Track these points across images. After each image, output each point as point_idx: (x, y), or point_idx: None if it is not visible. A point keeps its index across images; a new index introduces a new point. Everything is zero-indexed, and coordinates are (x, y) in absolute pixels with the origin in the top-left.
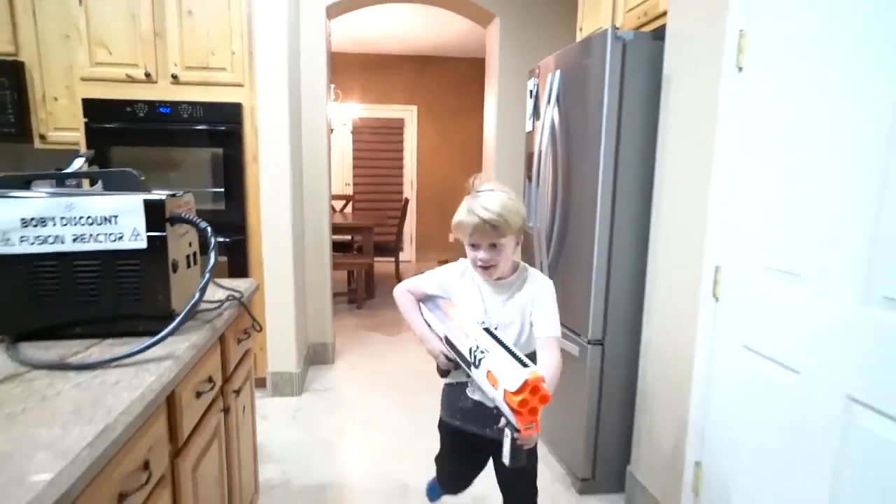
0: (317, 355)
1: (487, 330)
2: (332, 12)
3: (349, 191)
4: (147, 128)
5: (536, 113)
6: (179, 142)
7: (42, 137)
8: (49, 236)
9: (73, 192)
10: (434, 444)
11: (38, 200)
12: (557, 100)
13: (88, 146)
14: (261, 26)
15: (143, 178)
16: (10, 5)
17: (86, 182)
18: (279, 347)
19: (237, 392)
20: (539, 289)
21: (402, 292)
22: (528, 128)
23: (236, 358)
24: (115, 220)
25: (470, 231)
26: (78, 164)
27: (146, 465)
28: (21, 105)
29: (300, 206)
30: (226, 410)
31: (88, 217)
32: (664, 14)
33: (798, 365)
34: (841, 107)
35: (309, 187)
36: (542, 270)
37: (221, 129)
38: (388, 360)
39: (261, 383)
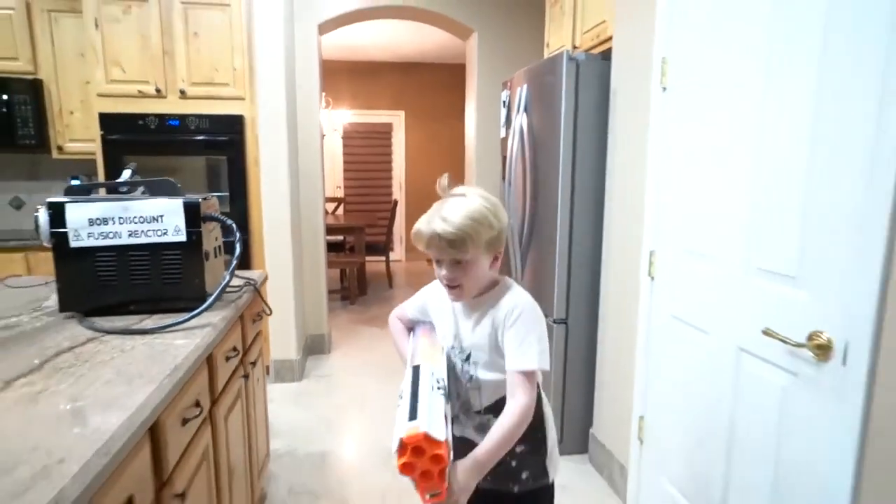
0: (314, 346)
1: (417, 368)
2: (323, 29)
3: (340, 193)
4: (158, 139)
5: (508, 121)
6: (187, 151)
7: (59, 148)
8: (110, 232)
9: (125, 197)
10: None
11: (101, 204)
12: (525, 109)
13: (105, 157)
14: (260, 44)
15: (179, 185)
16: (30, 28)
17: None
18: (281, 337)
19: (253, 364)
20: (514, 308)
21: (393, 320)
22: (503, 134)
23: (251, 336)
24: (161, 218)
25: (425, 244)
26: (126, 174)
27: (197, 403)
28: (40, 119)
29: (297, 208)
30: (246, 377)
31: (140, 216)
32: (611, 38)
33: (706, 326)
34: (726, 124)
35: (304, 190)
36: (515, 263)
37: (225, 138)
38: (379, 350)
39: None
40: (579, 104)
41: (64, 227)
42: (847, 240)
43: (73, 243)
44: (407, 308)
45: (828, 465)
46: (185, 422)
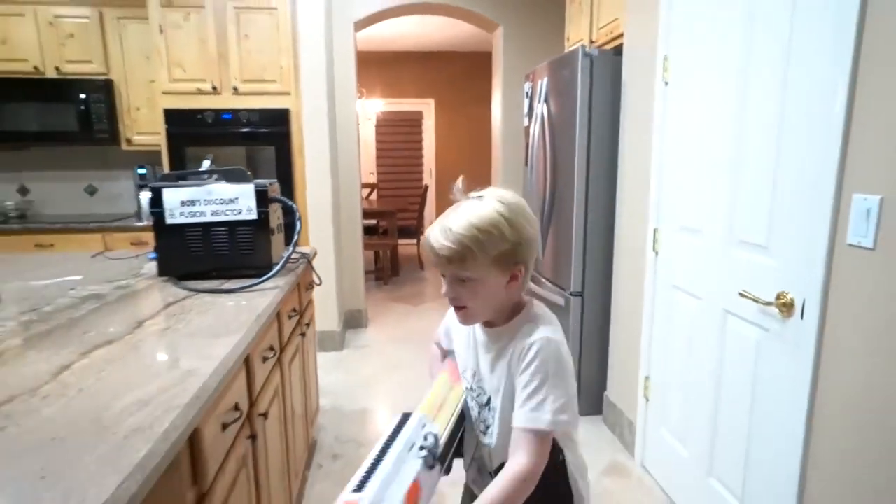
0: (353, 320)
1: (405, 417)
2: (358, 26)
3: (373, 179)
4: (214, 131)
5: (531, 110)
6: (239, 142)
7: (128, 141)
8: (196, 212)
9: (203, 182)
10: None
11: (189, 188)
12: (546, 100)
13: (168, 149)
14: (303, 44)
15: (248, 173)
16: (103, 35)
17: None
18: (324, 310)
19: (307, 325)
20: (531, 346)
21: (430, 346)
22: (525, 122)
23: (305, 301)
24: (237, 200)
25: (425, 258)
26: (206, 163)
27: (271, 348)
28: (111, 115)
29: (337, 193)
30: (302, 335)
31: (220, 199)
32: (622, 35)
33: (699, 292)
34: (713, 116)
35: (343, 176)
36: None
37: (273, 130)
38: (412, 324)
39: None
40: (593, 96)
41: (161, 207)
42: (804, 215)
43: (169, 220)
44: (440, 330)
45: (789, 405)
46: (264, 360)
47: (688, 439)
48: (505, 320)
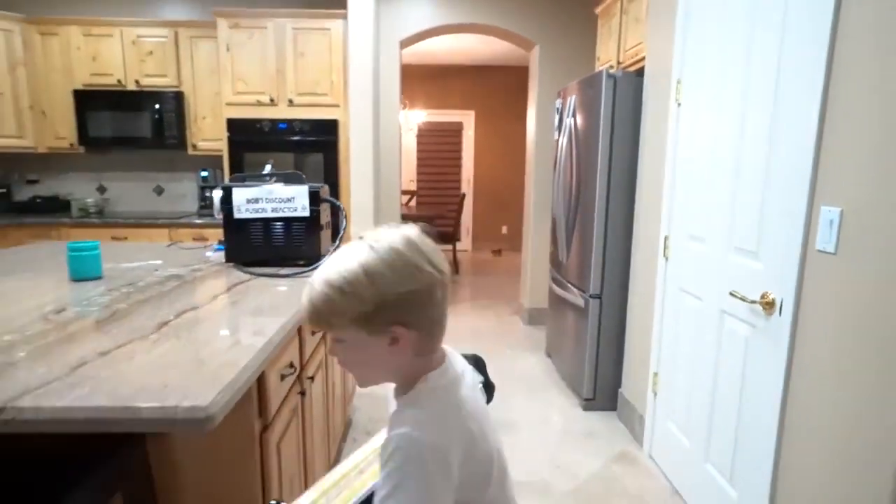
0: None
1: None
2: (403, 44)
3: (413, 186)
4: (270, 139)
5: (560, 124)
6: (292, 148)
7: (193, 146)
8: (259, 208)
9: (265, 184)
10: None
11: (253, 188)
12: (574, 115)
13: (230, 154)
14: (353, 62)
15: (304, 176)
16: (177, 52)
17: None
18: None
19: None
20: (390, 442)
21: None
22: (556, 136)
23: None
24: (293, 199)
25: None
26: (268, 167)
27: None
28: (180, 123)
29: (378, 198)
30: None
31: (279, 198)
32: (644, 58)
33: (701, 294)
34: (716, 136)
35: (384, 183)
36: (561, 246)
37: (323, 139)
38: None
39: None
40: (616, 113)
41: (230, 204)
42: (785, 224)
43: (236, 215)
44: None
45: (769, 390)
46: (312, 333)
47: (690, 430)
48: (404, 392)
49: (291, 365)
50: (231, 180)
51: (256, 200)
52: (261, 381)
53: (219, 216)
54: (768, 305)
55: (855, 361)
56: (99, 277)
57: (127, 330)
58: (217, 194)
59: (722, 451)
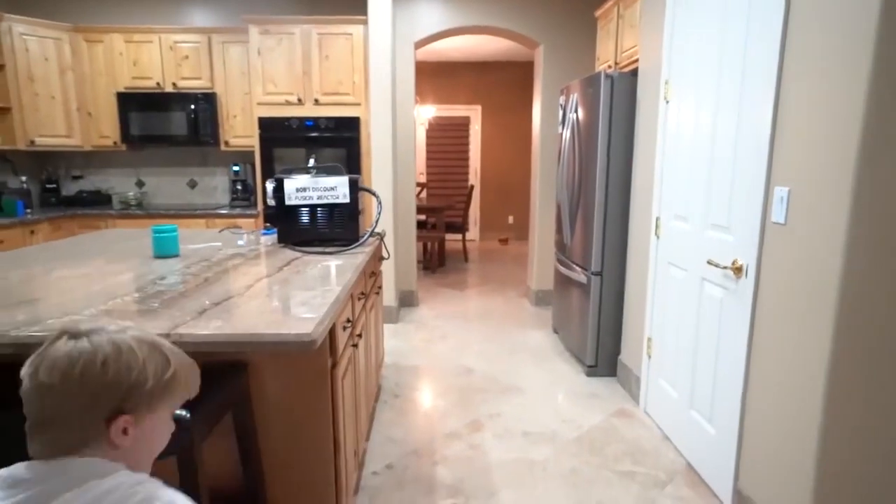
0: (406, 299)
1: None
2: (417, 45)
3: (423, 179)
4: (297, 135)
5: (563, 119)
6: (318, 144)
7: (226, 143)
8: (307, 196)
9: (312, 174)
10: (487, 346)
11: (302, 178)
12: (575, 111)
13: (261, 151)
14: (373, 63)
15: (343, 168)
16: (210, 56)
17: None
18: (384, 288)
19: (379, 288)
20: None
21: None
22: (559, 130)
23: (377, 270)
24: (335, 188)
25: None
26: (312, 161)
27: (362, 293)
28: (213, 121)
29: (396, 189)
30: (377, 293)
31: (324, 187)
32: (638, 59)
33: (685, 266)
34: (696, 127)
35: (400, 175)
36: (566, 229)
37: (345, 134)
38: (456, 304)
39: None
40: (613, 110)
41: (282, 193)
42: (750, 201)
43: (287, 202)
44: None
45: (738, 340)
46: (358, 298)
47: (677, 383)
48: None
49: (348, 321)
50: (279, 173)
51: (304, 189)
52: (332, 328)
53: (271, 203)
54: (738, 270)
55: (795, 310)
56: (177, 255)
57: (222, 291)
58: (270, 185)
59: (703, 396)
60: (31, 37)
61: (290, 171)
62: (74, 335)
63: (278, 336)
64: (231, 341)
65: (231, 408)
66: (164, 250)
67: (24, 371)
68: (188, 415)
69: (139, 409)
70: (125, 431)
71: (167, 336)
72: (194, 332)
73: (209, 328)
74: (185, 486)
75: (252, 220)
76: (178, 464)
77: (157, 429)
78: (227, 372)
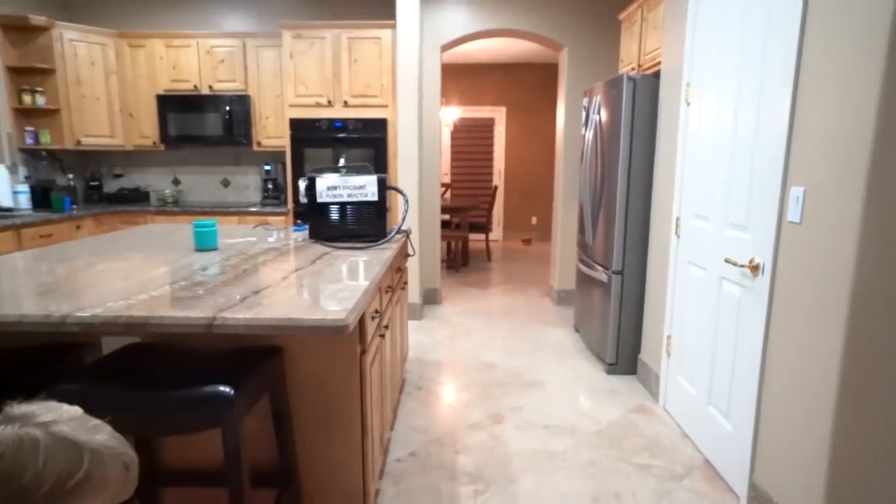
0: (430, 296)
1: None
2: (444, 49)
3: (447, 179)
4: (327, 136)
5: (587, 120)
6: (347, 145)
7: (258, 143)
8: (337, 194)
9: (342, 173)
10: (509, 342)
11: (332, 177)
12: (598, 113)
13: (292, 151)
14: (400, 66)
15: (371, 167)
16: (244, 60)
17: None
18: (408, 285)
19: (405, 283)
20: None
21: None
22: (582, 131)
23: (403, 266)
24: (364, 187)
25: None
26: (342, 161)
27: (389, 288)
28: (247, 122)
29: (422, 189)
30: (402, 288)
31: (353, 185)
32: (661, 62)
33: (705, 265)
34: (717, 129)
35: (425, 175)
36: (588, 228)
37: (373, 135)
38: (479, 302)
39: None
40: (636, 111)
41: (314, 190)
42: (767, 201)
43: (319, 200)
44: None
45: (754, 338)
46: (386, 291)
47: (695, 380)
48: None
49: (377, 311)
50: (310, 172)
51: (335, 187)
52: (362, 317)
53: (303, 200)
54: (755, 269)
55: (809, 308)
56: (216, 249)
57: (261, 280)
58: (302, 183)
59: (720, 393)
60: (79, 42)
61: (321, 171)
62: (5, 419)
63: (314, 321)
64: (271, 325)
65: (268, 389)
66: (205, 244)
67: None
68: (231, 391)
69: None
70: None
71: (212, 320)
72: (237, 315)
73: (251, 313)
74: (228, 458)
75: (282, 218)
76: (221, 435)
77: None
78: (264, 355)
